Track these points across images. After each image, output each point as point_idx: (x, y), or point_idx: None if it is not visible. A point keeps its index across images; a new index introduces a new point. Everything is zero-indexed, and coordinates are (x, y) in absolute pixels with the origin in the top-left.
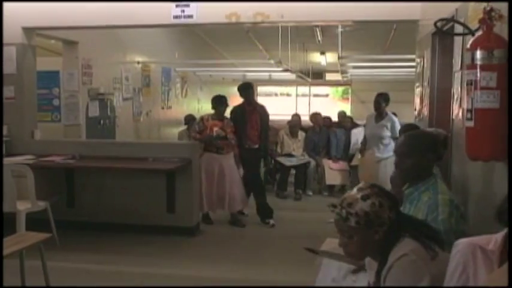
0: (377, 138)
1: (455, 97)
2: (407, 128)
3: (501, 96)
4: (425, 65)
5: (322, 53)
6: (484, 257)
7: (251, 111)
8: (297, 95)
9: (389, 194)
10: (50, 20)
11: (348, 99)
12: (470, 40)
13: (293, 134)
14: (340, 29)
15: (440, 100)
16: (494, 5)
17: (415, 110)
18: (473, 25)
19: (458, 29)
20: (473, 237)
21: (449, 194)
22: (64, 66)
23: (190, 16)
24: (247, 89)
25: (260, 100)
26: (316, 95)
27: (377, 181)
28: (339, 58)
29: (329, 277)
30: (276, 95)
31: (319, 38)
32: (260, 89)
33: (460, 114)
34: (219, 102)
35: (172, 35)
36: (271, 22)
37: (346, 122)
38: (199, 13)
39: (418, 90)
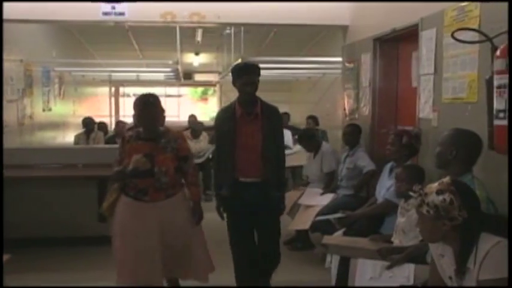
0: None
1: (423, 98)
2: (353, 127)
3: None
4: (363, 68)
5: (197, 53)
6: None
7: (248, 116)
8: (166, 96)
9: (468, 194)
10: None
11: (206, 99)
12: (499, 48)
13: (194, 135)
14: (227, 30)
15: (383, 100)
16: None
17: (345, 109)
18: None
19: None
20: None
21: (485, 191)
22: None
23: (122, 13)
24: (245, 72)
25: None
26: (168, 96)
27: None
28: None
29: (367, 276)
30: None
31: (199, 39)
32: (124, 90)
33: (430, 113)
34: (143, 105)
35: (49, 32)
36: (208, 23)
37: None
38: (131, 11)
39: (350, 92)
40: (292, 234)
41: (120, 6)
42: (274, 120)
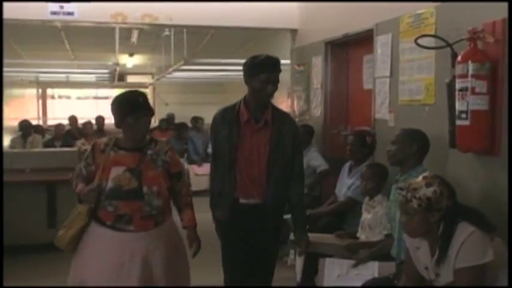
0: None
1: (379, 99)
2: (305, 128)
3: (490, 100)
4: (315, 71)
5: (131, 54)
6: None
7: (256, 123)
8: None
9: (449, 185)
10: None
11: None
12: (460, 54)
13: None
14: (166, 32)
15: (334, 102)
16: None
17: (295, 111)
18: (404, 37)
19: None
20: None
21: None
22: None
23: (71, 13)
24: (267, 67)
25: (55, 104)
26: (96, 97)
27: None
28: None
29: (334, 274)
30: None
31: (134, 40)
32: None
33: (387, 114)
34: (132, 108)
35: None
36: (160, 25)
37: (200, 124)
38: (81, 10)
39: (300, 93)
40: None
41: (68, 6)
42: (287, 131)
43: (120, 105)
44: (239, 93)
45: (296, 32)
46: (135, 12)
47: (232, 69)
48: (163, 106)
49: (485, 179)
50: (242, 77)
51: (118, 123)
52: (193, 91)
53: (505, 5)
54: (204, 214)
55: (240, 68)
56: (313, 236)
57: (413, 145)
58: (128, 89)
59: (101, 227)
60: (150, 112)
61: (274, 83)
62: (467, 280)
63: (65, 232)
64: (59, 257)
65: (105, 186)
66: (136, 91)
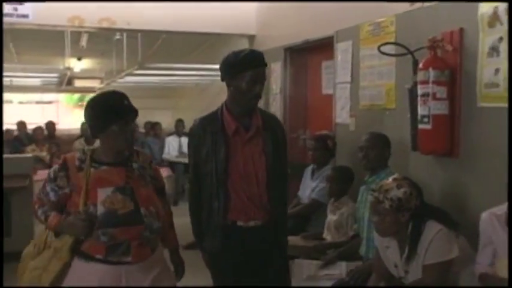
0: None
1: (340, 104)
2: None
3: (449, 105)
4: (274, 76)
5: (79, 58)
6: (497, 220)
7: (245, 132)
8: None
9: (417, 186)
10: None
11: (83, 105)
12: (421, 62)
13: (89, 143)
14: (118, 36)
15: (294, 106)
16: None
17: None
18: (365, 44)
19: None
20: (492, 208)
21: None
22: None
23: (25, 16)
24: (253, 64)
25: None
26: (39, 102)
27: None
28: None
29: (303, 276)
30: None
31: (84, 43)
32: None
33: (347, 118)
34: (115, 112)
35: None
36: (118, 29)
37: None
38: (36, 13)
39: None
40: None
41: (23, 8)
42: (281, 135)
43: (103, 111)
44: (191, 98)
45: (254, 38)
46: (92, 16)
47: (185, 74)
48: None
49: (445, 180)
50: (195, 82)
51: (98, 132)
52: (144, 96)
53: (462, 15)
54: None
55: (194, 72)
56: None
57: (386, 149)
58: (71, 94)
59: (89, 263)
60: (137, 115)
61: (262, 81)
62: (435, 275)
63: (38, 276)
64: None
65: (94, 213)
66: (115, 91)
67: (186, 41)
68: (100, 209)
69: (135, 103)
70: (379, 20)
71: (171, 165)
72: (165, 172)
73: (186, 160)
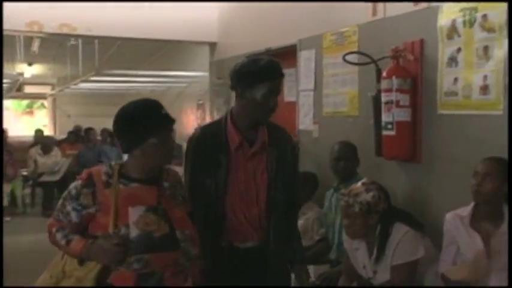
0: None
1: (303, 112)
2: None
3: (412, 112)
4: None
5: (30, 64)
6: (461, 221)
7: (249, 147)
8: None
9: (385, 190)
10: None
11: (32, 112)
12: (385, 70)
13: (45, 150)
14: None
15: None
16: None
17: None
18: (328, 53)
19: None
20: (456, 210)
21: None
22: None
23: None
24: (270, 75)
25: None
26: None
27: None
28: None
29: None
30: None
31: (35, 49)
32: None
33: (311, 125)
34: (148, 123)
35: None
36: (78, 36)
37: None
38: None
39: (221, 106)
40: None
41: None
42: (288, 151)
43: (139, 122)
44: None
45: (215, 45)
46: (51, 22)
47: (141, 81)
48: (65, 118)
49: (408, 184)
50: (149, 88)
51: (132, 147)
52: (99, 102)
53: (422, 27)
54: None
55: (149, 79)
56: None
57: (356, 157)
58: (19, 100)
59: None
60: (174, 124)
61: (277, 93)
62: (403, 275)
63: None
64: None
65: (126, 235)
66: (148, 99)
67: (142, 47)
68: (133, 231)
69: (90, 110)
70: (342, 29)
71: None
72: None
73: None
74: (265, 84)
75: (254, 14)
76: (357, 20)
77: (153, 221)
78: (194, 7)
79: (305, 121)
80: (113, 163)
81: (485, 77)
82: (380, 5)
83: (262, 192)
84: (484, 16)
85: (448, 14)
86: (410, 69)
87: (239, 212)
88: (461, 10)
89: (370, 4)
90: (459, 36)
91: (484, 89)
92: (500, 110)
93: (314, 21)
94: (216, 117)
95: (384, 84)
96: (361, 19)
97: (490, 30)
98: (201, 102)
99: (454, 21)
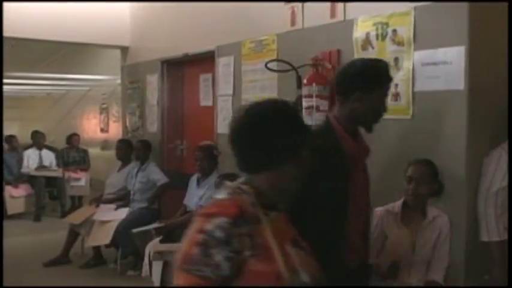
0: None
1: (221, 116)
2: (143, 143)
3: None
4: (150, 88)
5: None
6: (391, 217)
7: (360, 156)
8: None
9: None
10: None
11: None
12: (305, 77)
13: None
14: None
15: (171, 118)
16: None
17: (127, 126)
18: (247, 59)
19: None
20: (386, 205)
21: None
22: None
23: None
24: (385, 79)
25: None
26: None
27: None
28: None
29: None
30: None
31: None
32: None
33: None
34: (301, 132)
35: None
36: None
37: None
38: None
39: (134, 109)
40: (89, 256)
41: None
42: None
43: (294, 130)
44: (42, 108)
45: (127, 49)
46: None
47: (35, 83)
48: None
49: None
50: (46, 91)
51: (272, 163)
52: None
53: (338, 38)
54: (22, 237)
55: (46, 82)
56: (170, 246)
57: None
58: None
59: None
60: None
61: (369, 102)
62: None
63: None
64: None
65: (304, 283)
66: (278, 100)
67: (38, 49)
68: (304, 276)
69: None
70: (261, 37)
71: (31, 179)
72: (24, 191)
73: (46, 173)
74: (386, 86)
75: (170, 19)
76: (276, 29)
77: (305, 259)
78: (105, 7)
79: (223, 125)
80: (243, 186)
81: (396, 85)
82: (298, 16)
83: (367, 205)
84: (394, 31)
85: (362, 27)
86: (328, 77)
87: (353, 229)
88: (374, 24)
89: (288, 14)
90: (373, 48)
91: (396, 95)
92: (409, 114)
93: (232, 28)
94: (129, 122)
95: (305, 90)
96: (280, 29)
97: (400, 43)
98: (104, 106)
99: (368, 34)
